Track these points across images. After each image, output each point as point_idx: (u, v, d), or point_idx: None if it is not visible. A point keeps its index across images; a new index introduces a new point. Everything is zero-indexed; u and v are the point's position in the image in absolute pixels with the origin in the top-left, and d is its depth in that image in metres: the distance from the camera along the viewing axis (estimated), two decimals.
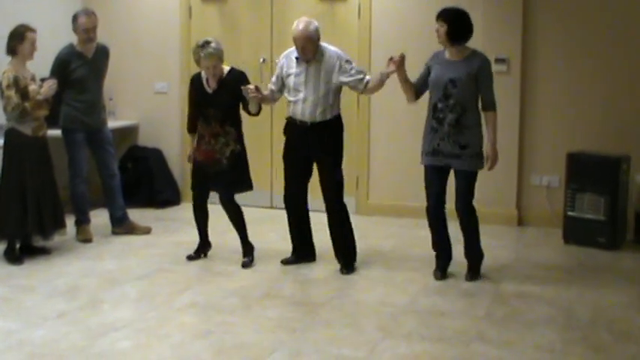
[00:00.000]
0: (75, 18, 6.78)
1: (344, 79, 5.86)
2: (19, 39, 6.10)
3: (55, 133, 6.87)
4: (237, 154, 6.08)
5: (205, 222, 6.33)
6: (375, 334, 4.76)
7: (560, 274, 6.05)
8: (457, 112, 5.58)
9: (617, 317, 5.07)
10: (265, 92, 6.08)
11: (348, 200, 7.89)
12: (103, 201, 7.29)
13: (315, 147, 5.92)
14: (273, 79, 6.14)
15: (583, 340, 4.66)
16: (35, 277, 5.87)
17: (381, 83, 5.84)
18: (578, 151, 6.92)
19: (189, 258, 6.29)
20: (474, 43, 7.18)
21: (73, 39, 6.87)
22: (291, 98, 5.97)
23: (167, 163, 8.47)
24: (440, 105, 5.62)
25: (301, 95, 5.89)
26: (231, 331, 4.80)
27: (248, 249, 6.23)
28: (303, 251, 6.23)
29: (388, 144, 7.75)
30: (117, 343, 4.59)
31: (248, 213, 6.27)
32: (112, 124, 7.62)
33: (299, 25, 5.82)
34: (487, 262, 6.10)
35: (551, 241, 6.93)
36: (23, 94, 6.06)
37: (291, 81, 5.96)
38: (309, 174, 6.09)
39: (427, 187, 5.79)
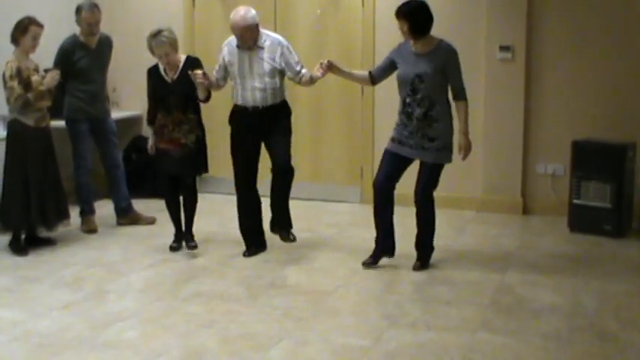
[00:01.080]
0: (78, 10, 6.76)
1: (284, 67, 5.95)
2: (22, 31, 6.08)
3: (59, 124, 6.87)
4: (201, 139, 6.19)
5: (180, 210, 6.34)
6: (380, 322, 4.76)
7: (565, 262, 6.03)
8: (425, 106, 5.55)
9: (624, 305, 5.06)
10: (212, 79, 6.11)
11: (353, 189, 7.96)
12: (108, 191, 7.30)
13: (269, 129, 6.00)
14: (217, 67, 6.15)
15: (589, 329, 4.65)
16: (40, 267, 5.88)
17: (312, 83, 6.01)
18: (583, 139, 6.89)
19: (173, 249, 6.28)
20: (479, 30, 7.24)
21: (75, 29, 6.87)
22: (239, 86, 6.02)
23: None
24: (408, 100, 5.60)
25: (249, 83, 5.95)
26: (236, 320, 4.80)
27: (192, 235, 6.28)
28: (259, 241, 6.26)
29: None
30: (123, 333, 4.59)
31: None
32: (116, 114, 7.62)
33: (236, 14, 5.85)
34: (492, 251, 6.10)
35: (557, 230, 6.91)
36: (26, 84, 6.05)
37: (235, 69, 6.00)
38: (258, 160, 6.17)
39: (380, 166, 5.77)
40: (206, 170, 6.34)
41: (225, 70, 6.09)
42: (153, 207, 7.56)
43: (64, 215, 6.45)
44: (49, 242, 6.44)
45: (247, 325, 4.71)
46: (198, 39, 8.30)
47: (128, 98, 8.44)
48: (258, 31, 5.92)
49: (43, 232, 6.39)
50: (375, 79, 5.89)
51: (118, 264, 5.99)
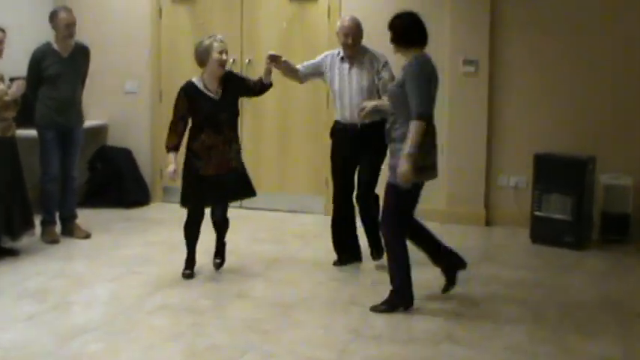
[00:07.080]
0: (54, 14, 6.73)
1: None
2: None
3: (25, 133, 6.81)
4: (240, 153, 5.91)
5: (197, 240, 5.94)
6: (345, 335, 4.79)
7: (528, 273, 6.11)
8: None
9: (585, 317, 5.15)
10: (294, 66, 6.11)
11: (319, 200, 7.98)
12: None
13: (364, 149, 5.93)
14: (308, 63, 6.13)
15: (551, 340, 4.72)
16: (4, 278, 5.82)
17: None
18: (544, 152, 7.00)
19: (187, 276, 5.88)
20: (442, 44, 7.29)
21: (42, 38, 6.83)
22: (338, 101, 6.01)
23: (137, 163, 8.43)
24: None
25: (346, 99, 5.95)
26: (202, 333, 4.80)
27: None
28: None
29: None
30: (87, 346, 4.57)
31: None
32: None
33: (345, 17, 6.01)
34: None
35: (519, 241, 7.00)
36: None
37: (336, 83, 5.97)
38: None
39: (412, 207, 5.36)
40: (254, 193, 5.99)
41: (315, 72, 6.12)
42: (117, 217, 7.54)
43: (30, 225, 6.40)
44: (11, 253, 6.37)
45: (213, 338, 4.71)
46: (165, 53, 8.34)
47: (93, 108, 8.38)
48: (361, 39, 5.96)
49: (8, 243, 6.33)
50: None
51: (82, 275, 5.96)
